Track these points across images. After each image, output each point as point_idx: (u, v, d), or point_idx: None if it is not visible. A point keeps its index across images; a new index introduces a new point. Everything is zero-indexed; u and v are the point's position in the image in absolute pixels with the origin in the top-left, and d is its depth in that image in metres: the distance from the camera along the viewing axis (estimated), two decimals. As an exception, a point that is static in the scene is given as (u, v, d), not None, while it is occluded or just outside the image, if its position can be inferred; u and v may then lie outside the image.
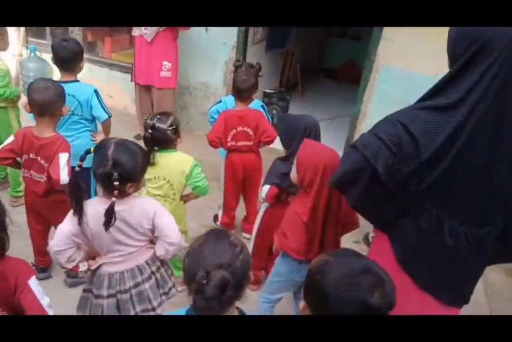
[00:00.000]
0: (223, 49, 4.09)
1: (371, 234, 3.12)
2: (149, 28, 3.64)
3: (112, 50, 4.92)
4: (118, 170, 1.50)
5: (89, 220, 1.58)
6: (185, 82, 4.25)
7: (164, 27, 3.62)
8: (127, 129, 4.15)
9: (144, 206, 1.65)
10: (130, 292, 1.71)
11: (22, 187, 2.94)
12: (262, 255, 2.42)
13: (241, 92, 2.61)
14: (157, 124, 2.08)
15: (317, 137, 2.11)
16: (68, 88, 2.33)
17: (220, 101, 3.15)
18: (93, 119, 2.68)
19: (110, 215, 1.53)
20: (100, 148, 1.56)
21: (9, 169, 3.14)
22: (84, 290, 1.78)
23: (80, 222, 1.57)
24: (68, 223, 1.60)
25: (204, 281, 1.00)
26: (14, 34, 4.67)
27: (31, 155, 2.17)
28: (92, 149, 1.58)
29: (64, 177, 2.05)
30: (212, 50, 4.11)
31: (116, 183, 1.50)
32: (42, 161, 2.15)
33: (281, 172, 2.13)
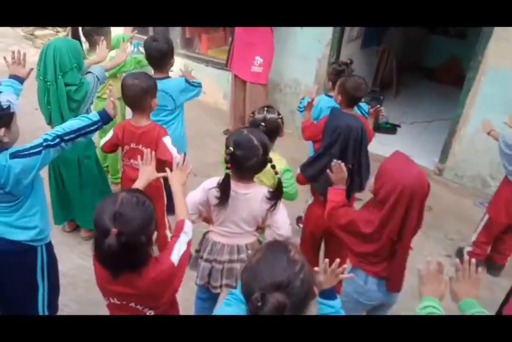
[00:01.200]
0: (317, 47, 4.02)
1: (467, 249, 2.89)
2: None
3: (208, 47, 5.08)
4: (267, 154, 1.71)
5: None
6: (277, 79, 4.24)
7: None
8: (217, 124, 4.27)
9: (265, 192, 1.78)
10: (223, 265, 1.88)
11: (120, 174, 3.14)
12: (307, 251, 2.37)
13: (355, 100, 2.54)
14: (268, 115, 2.11)
15: (351, 143, 2.07)
16: (160, 85, 2.46)
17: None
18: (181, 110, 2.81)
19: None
20: (243, 141, 1.69)
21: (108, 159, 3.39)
22: (196, 251, 1.97)
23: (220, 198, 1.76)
24: (198, 194, 1.83)
25: (259, 304, 0.96)
26: (121, 29, 5.01)
27: (132, 145, 2.32)
28: (231, 148, 1.67)
29: (176, 155, 2.23)
30: (305, 48, 4.06)
31: (272, 163, 1.70)
32: (144, 149, 2.25)
33: (309, 159, 2.22)
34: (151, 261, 1.36)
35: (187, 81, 2.74)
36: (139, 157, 1.84)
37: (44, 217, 1.88)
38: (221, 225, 1.89)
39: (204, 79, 4.74)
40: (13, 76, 2.04)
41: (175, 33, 4.89)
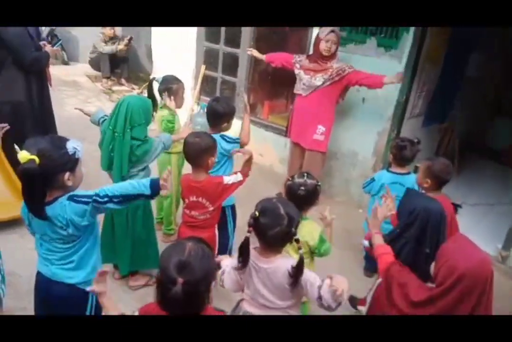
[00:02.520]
0: (378, 120, 4.03)
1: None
2: (306, 84, 3.77)
3: (269, 113, 5.26)
4: (294, 227, 1.65)
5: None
6: (334, 147, 4.25)
7: (322, 85, 3.71)
8: (270, 187, 4.26)
9: (288, 266, 1.69)
10: None
11: (173, 226, 3.34)
12: None
13: (444, 183, 2.48)
14: (308, 181, 2.12)
15: (429, 227, 1.95)
16: None
17: (373, 180, 3.04)
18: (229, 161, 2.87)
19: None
20: (269, 209, 1.66)
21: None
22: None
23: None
24: (231, 261, 1.84)
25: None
26: (190, 92, 5.35)
27: (192, 198, 2.42)
28: (257, 213, 1.66)
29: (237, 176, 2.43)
30: (366, 120, 4.08)
31: (296, 237, 1.65)
32: (204, 201, 2.40)
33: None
34: None
35: (222, 137, 2.79)
36: None
37: (99, 260, 1.92)
38: (252, 295, 1.81)
39: (262, 143, 4.90)
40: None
41: (240, 99, 5.13)
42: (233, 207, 2.96)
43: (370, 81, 3.60)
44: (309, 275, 1.69)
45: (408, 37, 3.69)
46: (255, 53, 4.17)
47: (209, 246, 1.42)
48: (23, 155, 1.56)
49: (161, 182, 1.85)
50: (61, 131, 3.91)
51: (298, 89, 3.88)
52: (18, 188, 3.30)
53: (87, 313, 1.88)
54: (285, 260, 1.72)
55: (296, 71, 3.85)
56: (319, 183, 2.20)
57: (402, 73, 3.59)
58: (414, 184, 2.85)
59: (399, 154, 2.97)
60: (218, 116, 2.78)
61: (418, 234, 1.99)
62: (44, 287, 1.87)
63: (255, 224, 1.66)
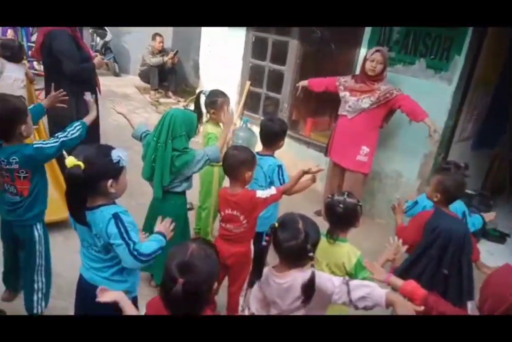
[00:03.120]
0: (425, 142, 3.91)
1: None
2: (352, 107, 3.74)
3: (311, 130, 5.25)
4: (311, 244, 1.62)
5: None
6: (378, 167, 4.16)
7: (368, 108, 3.67)
8: (310, 204, 4.21)
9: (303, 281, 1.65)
10: None
11: (210, 237, 3.34)
12: None
13: (455, 199, 2.40)
14: (348, 199, 2.08)
15: (450, 248, 1.92)
16: (260, 161, 2.61)
17: (416, 203, 2.94)
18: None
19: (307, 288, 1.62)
20: (289, 222, 1.65)
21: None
22: None
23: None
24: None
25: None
26: (234, 107, 5.42)
27: (227, 211, 2.42)
28: (276, 224, 1.66)
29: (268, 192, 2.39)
30: (412, 142, 3.97)
31: (311, 254, 1.61)
32: (238, 214, 2.39)
33: (405, 263, 2.04)
34: None
35: (280, 169, 2.73)
36: None
37: (138, 273, 1.96)
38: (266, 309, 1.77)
39: (303, 160, 4.87)
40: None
41: (282, 115, 5.15)
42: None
43: (412, 111, 3.54)
44: (328, 282, 1.64)
45: (459, 59, 3.60)
46: (302, 83, 4.19)
47: (214, 247, 1.45)
48: (70, 161, 1.63)
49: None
50: (108, 139, 4.05)
51: (343, 110, 3.84)
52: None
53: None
54: (300, 274, 1.67)
55: (341, 94, 3.82)
56: (360, 203, 2.15)
57: (438, 135, 3.55)
58: (458, 209, 2.76)
59: None
60: (275, 135, 2.78)
61: (438, 254, 1.95)
62: (84, 289, 1.92)
63: (273, 235, 1.66)
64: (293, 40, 4.90)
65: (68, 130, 2.31)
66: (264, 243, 1.68)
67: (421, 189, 3.90)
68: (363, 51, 4.10)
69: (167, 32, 7.71)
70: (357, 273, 2.08)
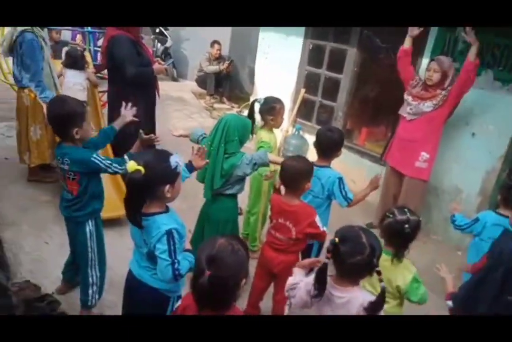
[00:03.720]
0: (488, 157, 3.72)
1: None
2: (413, 110, 3.62)
3: (365, 139, 5.14)
4: (376, 258, 1.57)
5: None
6: (435, 181, 3.99)
7: (430, 110, 3.54)
8: (361, 216, 4.10)
9: (364, 301, 1.59)
10: None
11: (258, 243, 3.38)
12: None
13: None
14: (411, 217, 1.97)
15: None
16: (317, 172, 2.53)
17: (477, 220, 2.79)
18: (330, 201, 2.76)
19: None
20: (351, 236, 1.59)
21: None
22: None
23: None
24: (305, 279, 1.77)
25: None
26: (287, 114, 5.42)
27: (280, 220, 2.39)
28: (337, 240, 1.60)
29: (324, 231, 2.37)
30: (474, 157, 3.79)
31: (378, 268, 1.57)
32: (290, 225, 2.36)
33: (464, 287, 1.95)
34: None
35: (341, 180, 2.67)
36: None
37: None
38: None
39: (355, 169, 4.78)
40: (188, 165, 2.24)
41: (337, 123, 5.07)
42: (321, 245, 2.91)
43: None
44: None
45: (531, 71, 3.40)
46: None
47: (243, 244, 1.47)
48: (131, 165, 1.68)
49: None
50: (164, 142, 4.15)
51: (404, 111, 3.74)
52: (123, 190, 3.56)
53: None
54: (362, 294, 1.63)
55: (405, 96, 3.73)
56: (420, 219, 2.04)
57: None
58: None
59: (509, 195, 2.71)
60: (334, 145, 2.72)
61: (502, 279, 1.82)
62: (131, 286, 1.97)
63: (334, 251, 1.58)
64: (351, 48, 4.84)
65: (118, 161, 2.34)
66: (325, 260, 1.61)
67: (482, 207, 3.70)
68: (425, 62, 3.97)
69: (225, 39, 7.87)
70: (411, 291, 1.98)
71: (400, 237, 1.96)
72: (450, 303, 2.06)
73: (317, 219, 2.36)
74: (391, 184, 3.94)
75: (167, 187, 1.75)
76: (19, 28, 3.46)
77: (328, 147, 2.72)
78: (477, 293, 1.93)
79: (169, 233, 1.76)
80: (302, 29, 5.39)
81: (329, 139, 2.70)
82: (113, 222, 3.39)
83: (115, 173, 2.38)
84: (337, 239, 1.59)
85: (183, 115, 6.95)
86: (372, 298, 1.58)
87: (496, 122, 3.63)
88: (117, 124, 2.61)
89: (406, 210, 2.02)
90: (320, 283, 1.62)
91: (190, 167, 2.24)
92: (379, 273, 1.58)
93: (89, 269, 2.47)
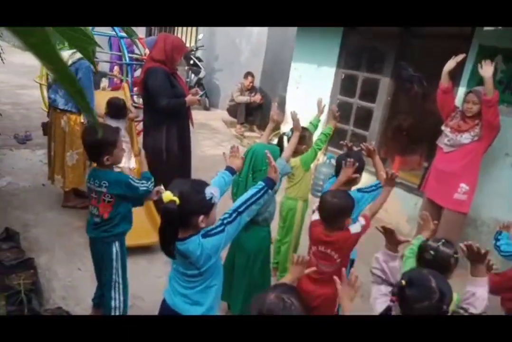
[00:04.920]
0: (528, 188, 3.57)
1: None
2: (451, 142, 3.53)
3: (399, 168, 5.03)
4: (446, 304, 1.48)
5: None
6: (473, 214, 3.84)
7: (468, 142, 3.44)
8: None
9: None
10: None
11: (288, 272, 3.21)
12: None
13: None
14: (442, 248, 1.91)
15: None
16: None
17: None
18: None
19: None
20: (419, 280, 1.51)
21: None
22: None
23: None
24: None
25: None
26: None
27: (320, 248, 2.35)
28: (404, 282, 1.52)
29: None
30: (514, 187, 3.65)
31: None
32: (332, 253, 2.32)
33: None
34: None
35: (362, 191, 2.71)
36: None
37: (218, 296, 1.94)
38: None
39: (390, 199, 4.63)
40: (228, 168, 2.26)
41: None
42: (352, 262, 2.82)
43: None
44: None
45: None
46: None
47: (296, 295, 1.42)
48: (167, 196, 1.68)
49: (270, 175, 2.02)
50: (194, 170, 4.20)
51: (441, 143, 3.66)
52: (155, 217, 3.59)
53: None
54: None
55: (443, 127, 3.66)
56: (457, 255, 1.96)
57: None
58: None
59: None
60: (356, 170, 2.72)
61: None
62: (165, 314, 1.93)
63: (400, 295, 1.50)
64: (384, 77, 4.84)
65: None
66: (390, 303, 1.55)
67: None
68: (461, 91, 3.91)
69: (256, 70, 8.03)
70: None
71: (422, 261, 1.91)
72: None
73: (352, 229, 2.30)
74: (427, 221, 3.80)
75: (202, 217, 1.75)
76: (77, 56, 3.60)
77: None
78: None
79: (205, 234, 1.78)
80: (334, 59, 5.44)
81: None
82: (143, 250, 3.39)
83: (146, 193, 2.42)
84: (404, 282, 1.51)
85: (213, 143, 7.05)
86: None
87: (537, 152, 3.51)
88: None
89: (443, 240, 1.97)
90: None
91: (231, 170, 2.23)
92: None
93: (112, 292, 2.46)
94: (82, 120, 3.87)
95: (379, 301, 1.65)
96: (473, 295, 1.65)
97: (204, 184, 1.81)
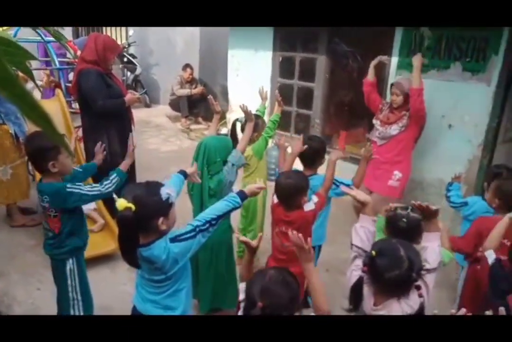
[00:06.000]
0: (467, 147, 3.77)
1: None
2: (381, 135, 3.65)
3: (345, 143, 5.17)
4: (416, 272, 1.52)
5: None
6: (419, 177, 4.02)
7: (397, 133, 3.58)
8: (352, 220, 4.07)
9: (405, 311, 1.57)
10: None
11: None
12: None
13: None
14: (412, 214, 1.99)
15: None
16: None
17: (466, 204, 2.83)
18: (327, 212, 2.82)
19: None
20: (389, 250, 1.56)
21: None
22: None
23: None
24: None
25: None
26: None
27: (283, 229, 2.39)
28: (374, 253, 1.56)
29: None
30: (454, 148, 3.83)
31: (417, 283, 1.54)
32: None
33: None
34: None
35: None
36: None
37: (189, 298, 1.92)
38: None
39: (339, 171, 4.74)
40: (181, 172, 2.27)
41: (315, 130, 5.10)
42: (320, 247, 2.92)
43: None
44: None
45: (497, 59, 3.48)
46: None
47: (293, 275, 1.46)
48: (121, 203, 1.61)
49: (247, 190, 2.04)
50: (143, 170, 4.11)
51: (374, 136, 3.79)
52: (111, 224, 3.49)
53: None
54: (400, 306, 1.57)
55: (374, 121, 3.80)
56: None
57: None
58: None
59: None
60: (316, 153, 2.75)
61: None
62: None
63: (370, 265, 1.54)
64: (320, 56, 4.90)
65: (104, 183, 2.31)
66: (361, 273, 1.59)
67: (467, 196, 3.73)
68: (394, 60, 4.04)
69: (194, 61, 7.90)
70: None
71: (396, 230, 1.97)
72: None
73: (306, 207, 2.34)
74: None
75: (161, 219, 1.69)
76: None
77: (311, 155, 2.73)
78: None
79: (174, 238, 1.75)
80: (270, 43, 5.45)
81: (310, 148, 2.70)
82: (103, 258, 3.32)
83: (101, 196, 2.32)
84: (374, 252, 1.55)
85: (160, 140, 6.92)
86: (410, 310, 1.55)
87: (471, 112, 3.69)
88: (124, 167, 2.50)
89: (409, 207, 2.04)
90: (356, 296, 1.60)
91: (184, 173, 2.24)
92: (418, 288, 1.55)
93: (71, 310, 2.38)
94: (11, 131, 3.64)
95: (355, 273, 1.70)
96: (425, 250, 1.72)
97: (158, 185, 1.73)
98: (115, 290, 2.94)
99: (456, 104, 3.76)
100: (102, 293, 2.57)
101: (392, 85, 3.65)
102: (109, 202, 3.55)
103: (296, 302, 1.40)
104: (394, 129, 3.62)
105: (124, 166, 2.49)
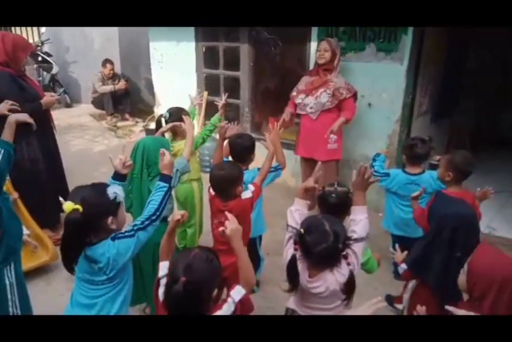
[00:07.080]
0: (386, 124, 4.02)
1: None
2: (314, 107, 3.78)
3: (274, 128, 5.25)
4: (342, 243, 1.62)
5: None
6: (346, 155, 4.22)
7: (328, 107, 3.71)
8: (286, 202, 4.19)
9: (339, 280, 1.69)
10: None
11: None
12: None
13: (467, 175, 2.44)
14: (339, 188, 2.09)
15: (461, 232, 1.92)
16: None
17: (388, 175, 3.02)
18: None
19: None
20: (314, 226, 1.65)
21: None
22: None
23: None
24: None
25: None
26: (196, 119, 5.39)
27: (222, 219, 2.33)
28: (302, 231, 1.65)
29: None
30: (374, 125, 4.07)
31: (344, 252, 1.63)
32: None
33: (415, 251, 2.11)
34: None
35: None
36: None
37: (125, 306, 1.90)
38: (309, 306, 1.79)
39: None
40: (114, 177, 2.12)
41: (244, 119, 5.15)
42: (260, 238, 3.02)
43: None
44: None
45: (407, 39, 3.72)
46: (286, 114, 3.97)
47: (215, 254, 1.52)
48: (68, 206, 1.61)
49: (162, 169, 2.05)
50: (71, 174, 3.96)
51: (305, 111, 3.83)
52: (40, 236, 3.31)
53: None
54: (334, 275, 1.69)
55: (298, 100, 3.82)
56: (351, 191, 2.13)
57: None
58: (430, 183, 2.86)
59: (411, 153, 2.97)
60: (247, 150, 2.82)
61: (449, 238, 1.96)
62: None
63: (301, 241, 1.64)
64: (243, 44, 4.93)
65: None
66: (293, 251, 1.67)
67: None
68: (313, 45, 4.17)
69: (114, 56, 7.62)
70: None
71: (328, 206, 2.07)
72: (403, 266, 2.17)
73: (243, 195, 2.39)
74: (308, 172, 4.04)
75: (110, 218, 1.72)
76: None
77: (241, 153, 2.81)
78: (428, 254, 2.06)
79: (114, 237, 1.75)
80: (192, 33, 5.38)
81: (240, 146, 2.80)
82: (38, 271, 3.19)
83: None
84: (302, 230, 1.64)
85: (85, 141, 6.61)
86: (343, 278, 1.66)
87: (387, 90, 3.93)
88: (6, 135, 2.35)
89: (335, 183, 2.16)
90: (292, 274, 1.68)
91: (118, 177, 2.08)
92: (345, 257, 1.65)
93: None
94: None
95: (289, 251, 1.78)
96: (353, 221, 1.83)
97: (104, 185, 1.77)
98: (53, 301, 2.82)
99: (373, 84, 3.98)
100: (39, 305, 2.45)
101: (322, 40, 3.70)
102: (35, 211, 3.38)
103: (217, 279, 1.47)
104: (323, 97, 3.66)
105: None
